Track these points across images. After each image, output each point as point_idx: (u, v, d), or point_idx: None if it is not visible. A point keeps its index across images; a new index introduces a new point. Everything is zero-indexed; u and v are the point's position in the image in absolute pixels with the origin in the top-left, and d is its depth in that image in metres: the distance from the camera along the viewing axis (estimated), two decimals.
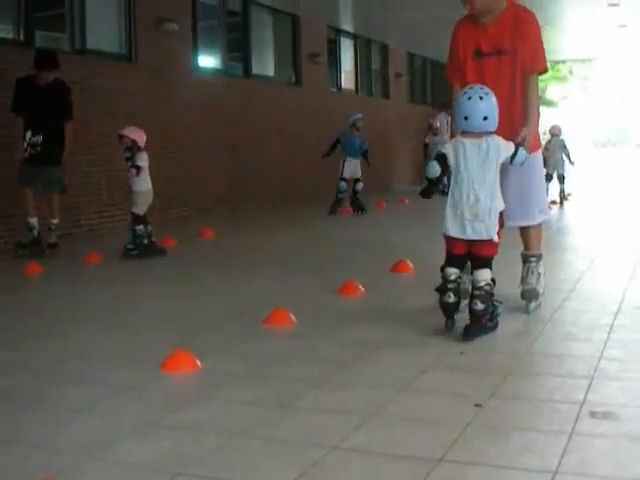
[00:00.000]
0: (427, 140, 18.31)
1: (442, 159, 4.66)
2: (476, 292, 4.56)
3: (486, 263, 4.61)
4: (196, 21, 13.38)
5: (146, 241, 8.41)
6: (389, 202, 15.25)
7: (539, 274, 5.35)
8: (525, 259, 5.40)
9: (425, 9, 15.94)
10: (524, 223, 5.31)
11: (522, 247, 5.47)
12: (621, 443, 2.99)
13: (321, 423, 3.28)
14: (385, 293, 6.17)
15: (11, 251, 8.65)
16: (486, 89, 4.62)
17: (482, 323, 4.59)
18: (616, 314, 5.16)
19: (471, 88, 4.67)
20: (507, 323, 4.96)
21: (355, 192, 13.75)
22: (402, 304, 5.68)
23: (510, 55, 5.03)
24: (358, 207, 13.80)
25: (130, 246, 8.33)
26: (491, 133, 4.59)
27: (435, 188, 4.95)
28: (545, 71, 5.24)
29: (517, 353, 4.35)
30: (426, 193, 16.95)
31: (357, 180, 13.69)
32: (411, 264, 7.01)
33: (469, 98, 4.56)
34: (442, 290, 4.66)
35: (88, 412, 3.51)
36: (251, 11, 15.32)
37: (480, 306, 4.52)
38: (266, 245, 9.67)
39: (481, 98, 4.55)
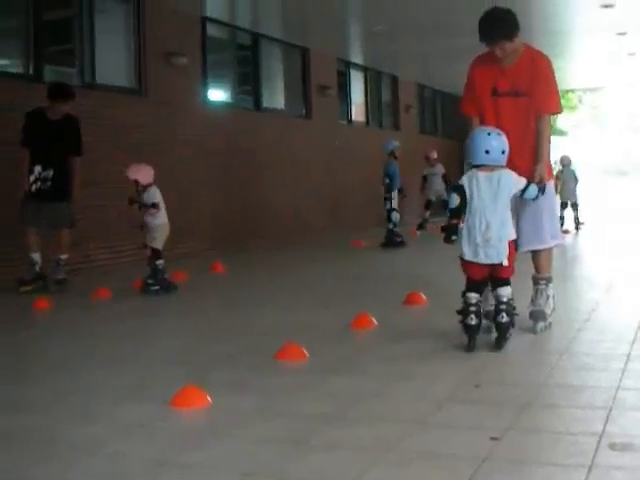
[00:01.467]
0: (425, 172, 17.92)
1: (460, 190, 5.00)
2: (501, 307, 5.00)
3: (506, 282, 5.05)
4: (206, 55, 13.46)
5: (167, 275, 8.36)
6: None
7: (548, 296, 5.61)
8: (535, 281, 5.64)
9: (434, 41, 16.01)
10: (536, 247, 5.54)
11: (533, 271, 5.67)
12: None
13: (335, 460, 3.22)
14: (399, 326, 6.10)
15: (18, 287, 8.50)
16: (497, 130, 5.03)
17: (507, 334, 5.03)
18: (632, 343, 5.10)
19: (485, 128, 5.12)
20: (523, 354, 5.00)
21: (394, 224, 13.37)
22: (416, 337, 5.61)
23: (526, 97, 5.31)
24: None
25: (151, 281, 8.23)
26: (503, 167, 4.98)
27: (457, 221, 4.93)
28: (559, 112, 5.59)
29: (534, 385, 4.29)
30: (421, 226, 16.85)
31: (393, 210, 13.31)
32: (424, 296, 6.96)
33: (489, 134, 4.99)
34: (464, 313, 4.99)
35: (98, 450, 3.46)
36: (261, 44, 15.41)
37: (506, 318, 4.99)
38: (278, 279, 9.63)
39: (498, 134, 4.97)
